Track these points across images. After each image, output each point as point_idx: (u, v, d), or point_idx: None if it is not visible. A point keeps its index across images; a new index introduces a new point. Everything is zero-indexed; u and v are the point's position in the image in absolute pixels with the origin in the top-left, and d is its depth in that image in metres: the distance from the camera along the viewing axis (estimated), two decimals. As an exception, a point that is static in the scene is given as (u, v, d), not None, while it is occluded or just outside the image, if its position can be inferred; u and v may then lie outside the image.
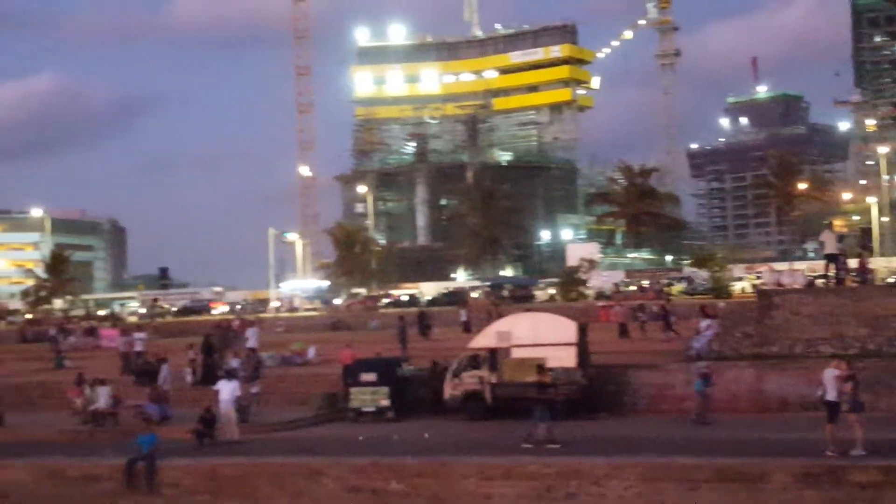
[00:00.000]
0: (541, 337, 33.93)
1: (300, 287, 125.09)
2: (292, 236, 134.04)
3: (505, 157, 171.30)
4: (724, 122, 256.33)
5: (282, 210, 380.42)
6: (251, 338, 45.77)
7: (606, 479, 23.29)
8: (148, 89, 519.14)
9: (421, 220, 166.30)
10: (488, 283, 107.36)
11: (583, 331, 34.75)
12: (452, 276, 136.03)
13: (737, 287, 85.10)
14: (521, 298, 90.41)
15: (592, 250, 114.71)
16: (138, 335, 48.78)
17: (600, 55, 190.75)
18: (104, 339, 66.09)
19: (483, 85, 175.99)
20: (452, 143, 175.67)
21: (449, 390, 34.57)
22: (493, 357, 34.42)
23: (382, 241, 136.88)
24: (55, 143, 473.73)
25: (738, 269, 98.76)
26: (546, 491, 23.49)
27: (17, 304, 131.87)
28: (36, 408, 38.98)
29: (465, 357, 35.17)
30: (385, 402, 34.75)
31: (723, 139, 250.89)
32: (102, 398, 35.11)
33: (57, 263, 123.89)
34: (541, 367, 29.57)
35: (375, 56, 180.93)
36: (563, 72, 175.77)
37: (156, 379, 37.67)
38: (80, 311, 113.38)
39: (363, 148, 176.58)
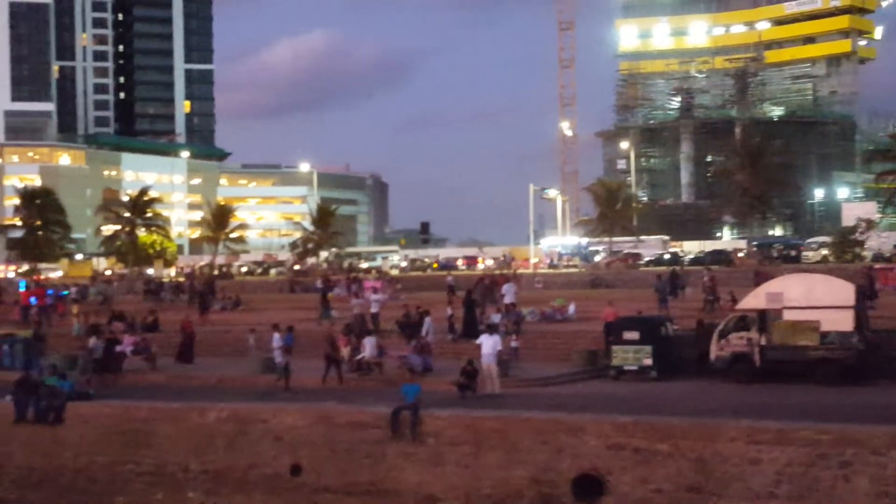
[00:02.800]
0: (815, 299, 32.31)
1: (559, 243, 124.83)
2: (552, 193, 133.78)
3: (776, 111, 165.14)
4: None
5: (542, 166, 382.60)
6: (508, 293, 45.77)
7: (887, 448, 21.80)
8: (415, 46, 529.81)
9: (685, 177, 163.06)
10: (755, 243, 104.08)
11: (862, 294, 32.87)
12: (717, 234, 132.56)
13: None
14: (789, 259, 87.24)
15: (870, 210, 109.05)
16: (374, 296, 47.11)
17: (884, 2, 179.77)
18: (368, 290, 67.70)
19: (755, 37, 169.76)
20: (720, 98, 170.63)
21: (715, 351, 33.48)
22: (763, 318, 33.05)
23: (644, 198, 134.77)
24: (324, 99, 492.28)
25: None
26: (819, 458, 22.23)
27: (285, 255, 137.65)
28: (304, 356, 40.17)
29: (734, 318, 34.00)
30: (648, 362, 34.04)
31: None
32: (368, 348, 35.87)
33: (323, 217, 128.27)
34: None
35: (641, 9, 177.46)
36: (842, 21, 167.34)
37: (418, 331, 38.26)
38: (344, 264, 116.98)
39: (626, 103, 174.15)
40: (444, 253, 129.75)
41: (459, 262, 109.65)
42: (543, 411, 26.59)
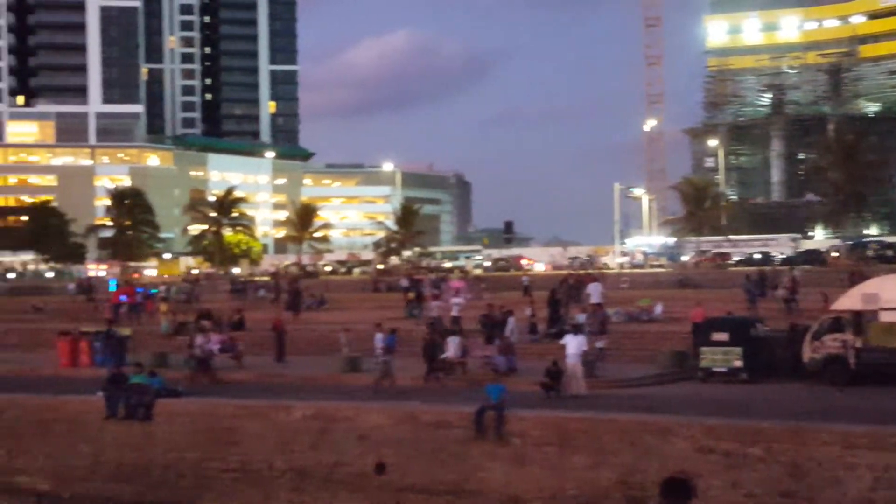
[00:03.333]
0: (916, 301, 31.43)
1: (645, 243, 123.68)
2: (638, 191, 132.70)
3: (872, 108, 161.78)
4: None
5: (627, 164, 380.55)
6: (594, 293, 45.32)
7: None
8: (497, 45, 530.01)
9: (776, 174, 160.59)
10: (850, 242, 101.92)
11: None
12: (810, 233, 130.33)
13: None
14: (885, 259, 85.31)
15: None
16: (455, 300, 45.88)
17: None
18: (451, 290, 67.75)
19: (849, 31, 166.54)
20: (812, 94, 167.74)
21: (808, 353, 32.70)
22: (858, 320, 32.22)
23: (733, 197, 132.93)
24: (407, 98, 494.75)
25: None
26: (920, 464, 21.57)
27: (368, 254, 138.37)
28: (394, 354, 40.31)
29: (827, 319, 33.17)
30: (738, 363, 33.33)
31: None
32: (452, 348, 35.70)
33: (406, 216, 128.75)
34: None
35: (730, 4, 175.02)
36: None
37: (502, 331, 38.02)
38: (427, 263, 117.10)
39: (714, 100, 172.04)
40: (506, 253, 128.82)
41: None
42: (630, 412, 26.23)
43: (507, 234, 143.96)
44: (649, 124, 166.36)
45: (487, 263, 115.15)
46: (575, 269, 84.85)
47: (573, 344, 31.81)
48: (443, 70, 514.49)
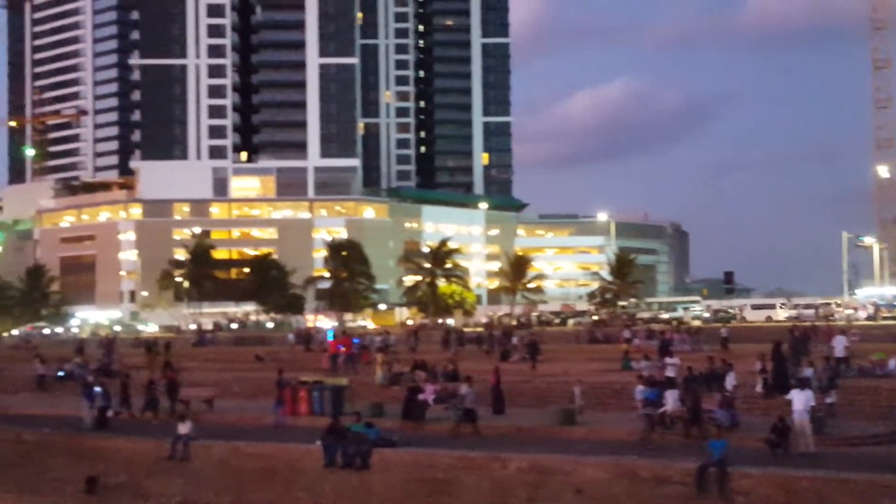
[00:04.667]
0: None
1: (877, 294, 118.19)
2: (868, 240, 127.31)
3: None
4: None
5: (855, 213, 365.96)
6: (838, 346, 43.38)
7: None
8: (716, 92, 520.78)
9: None
10: None
11: None
12: None
13: None
14: None
15: None
16: (670, 360, 43.37)
17: None
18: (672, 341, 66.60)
19: None
20: None
21: None
22: None
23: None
24: (622, 148, 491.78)
25: None
26: None
27: (583, 305, 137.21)
28: (606, 407, 39.50)
29: None
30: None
31: None
32: (671, 401, 34.68)
33: (622, 266, 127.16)
34: None
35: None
36: None
37: (722, 384, 36.78)
38: (644, 314, 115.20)
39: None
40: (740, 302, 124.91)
41: None
42: (863, 472, 24.73)
43: (727, 285, 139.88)
44: (879, 170, 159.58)
45: (706, 315, 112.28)
46: (802, 321, 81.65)
47: (799, 399, 30.45)
48: (660, 119, 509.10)
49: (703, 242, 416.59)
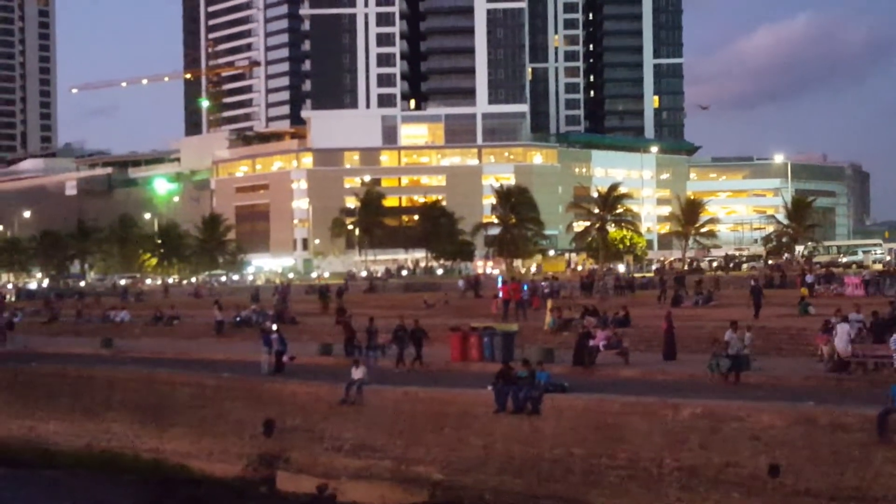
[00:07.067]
0: None
1: None
2: None
3: None
4: None
5: None
6: None
7: None
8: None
9: None
10: None
11: None
12: None
13: None
14: None
15: None
16: (855, 316, 37.08)
17: None
18: (848, 286, 64.92)
19: None
20: None
21: None
22: None
23: None
24: (802, 87, 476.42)
25: None
26: None
27: (757, 249, 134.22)
28: (783, 353, 38.68)
29: None
30: None
31: None
32: (841, 344, 33.56)
33: (798, 209, 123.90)
34: None
35: None
36: None
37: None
38: (822, 258, 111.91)
39: None
40: None
41: None
42: None
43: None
44: None
45: (888, 258, 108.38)
46: None
47: None
48: (844, 56, 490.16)
49: (886, 184, 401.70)
